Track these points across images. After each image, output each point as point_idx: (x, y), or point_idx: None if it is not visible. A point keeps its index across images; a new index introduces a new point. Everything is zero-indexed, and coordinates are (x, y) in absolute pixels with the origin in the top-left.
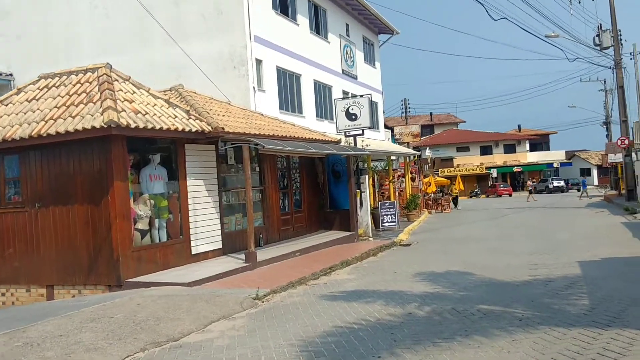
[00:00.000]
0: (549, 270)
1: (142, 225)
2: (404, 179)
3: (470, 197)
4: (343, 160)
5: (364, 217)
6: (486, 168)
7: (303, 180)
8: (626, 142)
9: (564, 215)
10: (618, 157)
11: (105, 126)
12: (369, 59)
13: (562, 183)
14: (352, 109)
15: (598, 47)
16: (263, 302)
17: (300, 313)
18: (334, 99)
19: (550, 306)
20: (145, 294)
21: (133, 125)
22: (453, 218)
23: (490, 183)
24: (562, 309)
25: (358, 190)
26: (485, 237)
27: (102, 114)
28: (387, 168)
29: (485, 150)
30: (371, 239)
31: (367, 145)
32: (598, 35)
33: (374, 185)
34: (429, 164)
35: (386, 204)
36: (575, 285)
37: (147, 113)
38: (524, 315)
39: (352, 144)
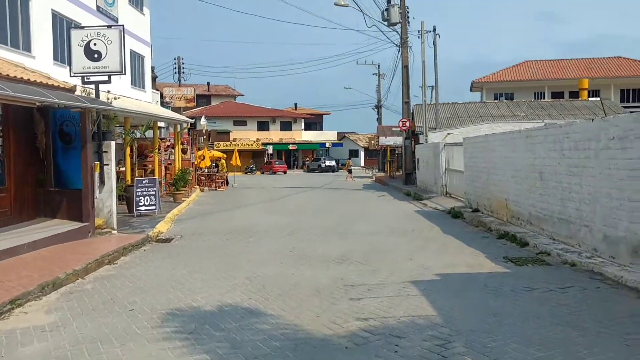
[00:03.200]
0: (381, 303)
1: None
2: (173, 151)
3: (246, 173)
4: (77, 118)
5: (107, 200)
6: (262, 144)
7: (9, 143)
8: (407, 124)
9: (348, 199)
10: (388, 140)
11: None
12: (136, 2)
13: (333, 163)
14: (95, 44)
15: (387, 23)
16: None
17: None
18: (70, 28)
19: None
20: None
21: None
22: (229, 198)
23: (266, 160)
24: None
25: (97, 163)
26: (272, 228)
27: None
28: (145, 135)
29: (262, 126)
30: (115, 232)
31: (115, 99)
32: (387, 10)
33: (132, 157)
34: (204, 136)
35: (144, 182)
36: (448, 349)
37: None
38: None
39: (93, 95)
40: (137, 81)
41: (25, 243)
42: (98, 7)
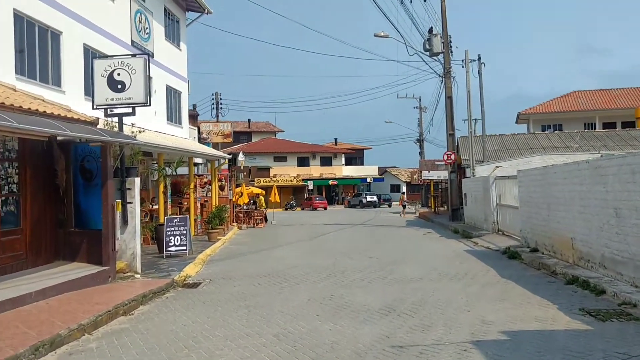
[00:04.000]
0: None
1: None
2: (210, 187)
3: (286, 209)
4: (98, 153)
5: (130, 241)
6: (303, 180)
7: (26, 181)
8: (452, 157)
9: (391, 237)
10: (432, 175)
11: None
12: (173, 37)
13: (375, 198)
14: (119, 74)
15: (428, 53)
16: None
17: None
18: (93, 58)
19: None
20: None
21: None
22: (266, 236)
23: (306, 195)
24: None
25: (119, 201)
26: (309, 271)
27: None
28: (175, 171)
29: (303, 162)
30: (138, 276)
31: (140, 132)
32: (429, 40)
33: (165, 194)
34: (245, 172)
35: (174, 220)
36: None
37: None
38: None
39: (117, 128)
40: (173, 117)
41: (33, 291)
42: (133, 41)
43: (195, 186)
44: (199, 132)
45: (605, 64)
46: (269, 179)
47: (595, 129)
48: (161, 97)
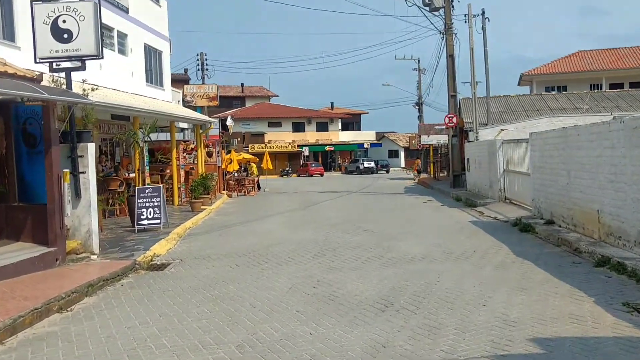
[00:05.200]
0: None
1: None
2: (197, 153)
3: (281, 176)
4: (42, 115)
5: (84, 217)
6: (298, 146)
7: None
8: (454, 120)
9: (389, 206)
10: (431, 139)
11: None
12: None
13: (372, 164)
14: (64, 22)
15: (428, 8)
16: None
17: None
18: (32, 1)
19: None
20: None
21: None
22: (256, 205)
23: (302, 162)
24: None
25: (66, 171)
26: (295, 249)
27: None
28: (149, 136)
29: (298, 127)
30: (95, 257)
31: (93, 89)
32: None
33: (142, 161)
34: (239, 139)
35: (146, 191)
36: None
37: None
38: None
39: (65, 86)
40: (153, 78)
41: None
42: None
43: (179, 153)
44: (183, 94)
45: (606, 27)
46: (263, 145)
47: (602, 89)
48: (139, 57)
